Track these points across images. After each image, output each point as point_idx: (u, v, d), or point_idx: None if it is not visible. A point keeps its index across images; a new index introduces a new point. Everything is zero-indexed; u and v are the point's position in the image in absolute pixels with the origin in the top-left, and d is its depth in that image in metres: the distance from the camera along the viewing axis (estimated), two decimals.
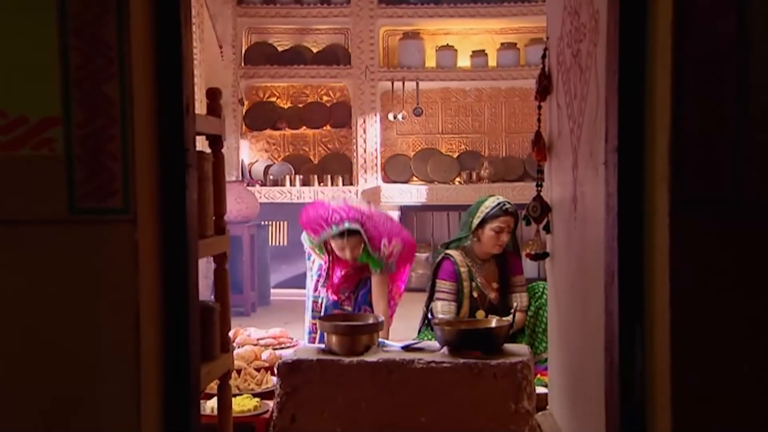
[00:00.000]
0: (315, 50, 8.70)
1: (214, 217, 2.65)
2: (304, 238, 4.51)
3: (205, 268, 5.03)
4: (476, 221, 4.20)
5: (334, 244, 4.29)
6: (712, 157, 1.65)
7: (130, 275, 1.78)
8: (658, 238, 1.72)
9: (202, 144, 3.53)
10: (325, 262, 4.44)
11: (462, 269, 4.16)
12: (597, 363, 2.27)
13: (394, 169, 8.68)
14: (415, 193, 8.39)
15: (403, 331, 4.70)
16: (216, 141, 2.71)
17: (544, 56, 3.05)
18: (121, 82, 1.78)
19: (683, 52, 1.62)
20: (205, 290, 5.69)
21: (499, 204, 4.20)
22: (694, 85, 1.63)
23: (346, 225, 4.22)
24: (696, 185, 1.65)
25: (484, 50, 8.52)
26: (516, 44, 8.51)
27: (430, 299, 4.25)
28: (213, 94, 2.72)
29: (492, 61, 8.50)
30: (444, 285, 4.16)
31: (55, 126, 1.81)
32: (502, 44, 8.54)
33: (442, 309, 4.11)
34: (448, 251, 4.23)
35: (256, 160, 8.75)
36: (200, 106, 3.21)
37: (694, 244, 1.65)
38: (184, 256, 1.89)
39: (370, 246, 4.27)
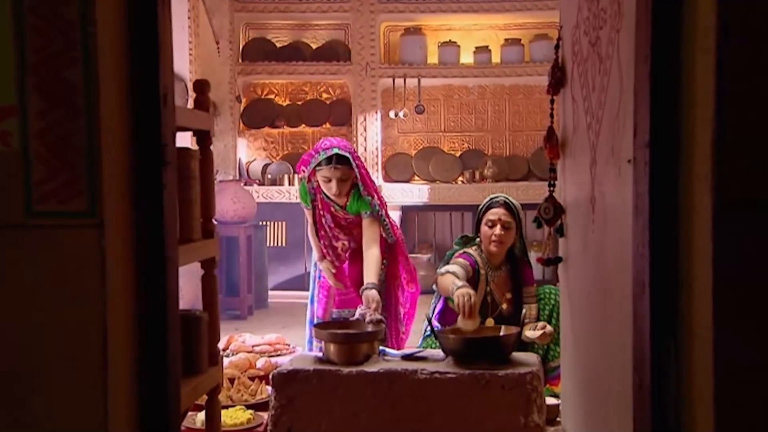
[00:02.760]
0: (314, 46, 8.57)
1: (201, 220, 2.46)
2: (301, 198, 4.29)
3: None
4: (476, 221, 4.05)
5: (321, 177, 4.03)
6: (763, 153, 1.44)
7: (97, 288, 1.55)
8: (698, 244, 1.51)
9: (189, 140, 3.35)
10: (315, 209, 4.21)
11: (481, 271, 3.96)
12: (618, 379, 2.09)
13: (395, 168, 8.54)
14: (416, 193, 8.25)
15: None
16: (204, 137, 2.53)
17: (557, 46, 2.86)
18: (86, 68, 1.56)
19: (729, 34, 1.41)
20: None
21: (491, 198, 4.02)
22: (743, 70, 1.42)
23: (335, 150, 3.98)
24: (744, 184, 1.44)
25: (487, 46, 8.39)
26: (520, 40, 8.40)
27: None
28: (201, 87, 2.53)
29: (496, 58, 8.38)
30: (459, 260, 3.90)
31: (9, 117, 1.59)
32: (506, 40, 8.42)
33: (448, 269, 3.77)
34: (466, 249, 4.00)
35: (254, 159, 8.64)
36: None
37: (742, 250, 1.44)
38: (161, 265, 1.68)
39: (362, 184, 4.04)
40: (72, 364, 1.58)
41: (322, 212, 4.20)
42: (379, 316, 3.60)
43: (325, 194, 4.14)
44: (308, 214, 4.33)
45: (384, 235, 4.16)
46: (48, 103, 1.57)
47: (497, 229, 3.90)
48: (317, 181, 4.10)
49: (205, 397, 2.55)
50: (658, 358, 1.62)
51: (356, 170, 4.01)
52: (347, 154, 3.99)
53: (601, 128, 2.29)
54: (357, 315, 3.71)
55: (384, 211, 4.14)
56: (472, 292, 3.48)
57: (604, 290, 2.30)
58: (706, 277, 1.48)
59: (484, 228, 3.95)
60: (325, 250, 4.27)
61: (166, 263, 1.68)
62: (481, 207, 4.04)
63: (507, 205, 3.96)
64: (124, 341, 1.64)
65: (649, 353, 1.63)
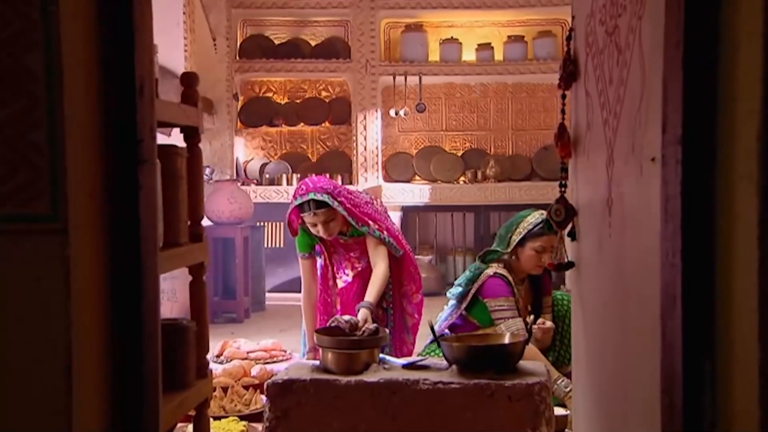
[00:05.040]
0: (313, 43, 8.46)
1: (189, 222, 2.30)
2: (299, 247, 4.13)
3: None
4: (516, 238, 3.85)
5: (307, 223, 3.86)
6: None
7: (60, 301, 1.37)
8: (740, 252, 1.35)
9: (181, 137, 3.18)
10: (328, 250, 4.00)
11: (515, 290, 3.81)
12: (640, 397, 1.93)
13: (396, 168, 8.41)
14: (417, 193, 8.14)
15: None
16: (192, 134, 2.36)
17: (569, 38, 2.69)
18: (47, 52, 1.36)
19: None
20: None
21: (543, 221, 3.85)
22: None
23: (310, 195, 3.74)
24: None
25: (490, 43, 8.29)
26: (523, 37, 8.29)
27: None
28: (188, 80, 2.36)
29: (498, 55, 8.27)
30: (500, 303, 3.73)
31: None
32: (508, 37, 8.32)
33: (517, 325, 3.66)
34: (497, 271, 3.84)
35: (252, 158, 8.53)
36: None
37: None
38: (137, 274, 1.51)
39: (352, 219, 3.82)
40: (30, 387, 1.40)
41: (332, 248, 4.01)
42: (373, 326, 3.40)
43: None
44: (305, 266, 4.08)
45: (392, 252, 3.99)
46: (4, 93, 1.39)
47: (546, 257, 3.74)
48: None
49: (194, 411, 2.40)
50: (691, 379, 1.45)
51: (339, 209, 3.79)
52: (324, 198, 3.75)
53: (619, 124, 2.13)
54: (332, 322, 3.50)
55: (385, 234, 3.95)
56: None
57: (622, 299, 2.13)
58: (749, 290, 1.31)
59: (529, 252, 3.79)
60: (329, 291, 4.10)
61: (143, 272, 1.51)
62: (528, 226, 3.83)
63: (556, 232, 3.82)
64: (92, 360, 1.46)
65: (682, 373, 1.46)
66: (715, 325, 1.43)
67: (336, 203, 3.77)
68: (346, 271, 4.06)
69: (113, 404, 1.49)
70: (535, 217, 3.89)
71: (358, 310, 3.71)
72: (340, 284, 4.08)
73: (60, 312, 1.37)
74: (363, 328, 3.31)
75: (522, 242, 3.82)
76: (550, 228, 3.74)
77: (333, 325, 3.46)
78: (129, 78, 1.47)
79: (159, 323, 1.60)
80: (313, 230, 3.88)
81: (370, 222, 3.89)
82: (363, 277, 4.01)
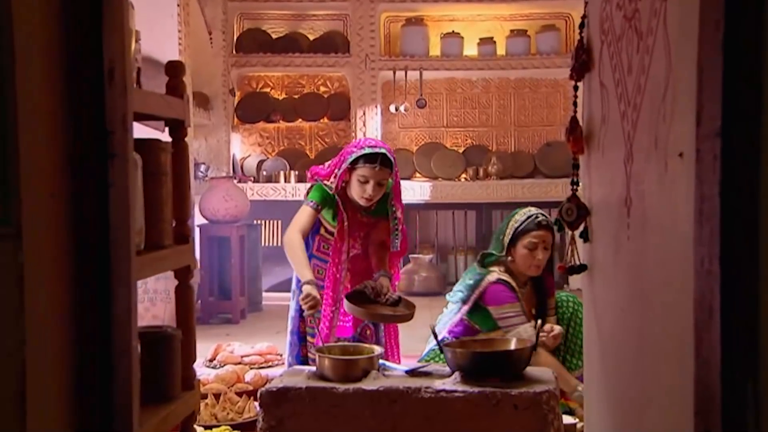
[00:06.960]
0: (312, 37, 8.34)
1: (174, 223, 2.14)
2: (313, 196, 3.81)
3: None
4: (507, 239, 3.70)
5: (358, 176, 3.63)
6: None
7: (11, 316, 1.19)
8: None
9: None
10: (340, 221, 3.78)
11: (518, 294, 3.67)
12: (664, 416, 1.77)
13: None
14: (418, 191, 8.02)
15: (407, 342, 4.25)
16: (177, 127, 2.20)
17: (582, 25, 2.53)
18: None
19: None
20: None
21: (530, 217, 3.68)
22: None
23: (383, 150, 3.65)
24: None
25: (492, 38, 8.17)
26: (526, 31, 8.18)
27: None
28: (174, 69, 2.19)
29: (501, 50, 8.16)
30: (505, 310, 3.58)
31: None
32: (511, 31, 8.20)
33: (528, 332, 3.49)
34: (500, 276, 3.69)
35: (249, 155, 8.42)
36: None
37: None
38: (107, 283, 1.34)
39: (393, 195, 3.78)
40: None
41: (346, 223, 3.79)
42: (396, 296, 3.51)
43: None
44: (309, 213, 3.82)
45: (391, 243, 3.84)
46: None
47: (539, 253, 3.60)
48: (346, 183, 3.73)
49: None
50: (730, 402, 1.30)
51: (393, 179, 3.75)
52: (391, 161, 3.67)
53: (639, 117, 1.97)
54: (361, 287, 3.58)
55: (399, 227, 3.82)
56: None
57: (641, 306, 1.98)
58: None
59: (522, 250, 3.64)
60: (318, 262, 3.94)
61: (113, 281, 1.35)
62: (515, 224, 3.69)
63: (548, 227, 3.66)
64: (53, 385, 1.28)
65: (720, 395, 1.30)
66: (759, 341, 1.28)
67: (393, 172, 3.75)
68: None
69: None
70: (522, 214, 3.74)
71: (378, 278, 3.65)
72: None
73: (11, 329, 1.19)
74: (387, 296, 3.48)
75: (514, 242, 3.67)
76: (540, 225, 3.62)
77: (360, 289, 3.53)
78: (96, 62, 1.31)
79: (134, 338, 1.44)
80: (359, 188, 3.66)
81: (399, 209, 3.85)
82: (351, 263, 3.87)
